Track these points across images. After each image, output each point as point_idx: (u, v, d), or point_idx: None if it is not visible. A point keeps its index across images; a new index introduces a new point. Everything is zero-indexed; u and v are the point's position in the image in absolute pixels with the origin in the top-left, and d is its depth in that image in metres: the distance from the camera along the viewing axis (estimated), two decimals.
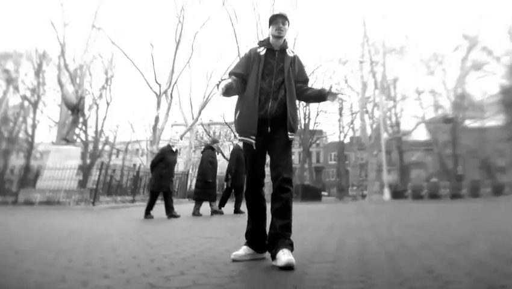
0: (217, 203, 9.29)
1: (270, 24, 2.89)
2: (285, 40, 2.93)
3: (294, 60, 2.93)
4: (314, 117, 40.31)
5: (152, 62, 29.18)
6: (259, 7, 31.51)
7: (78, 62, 26.71)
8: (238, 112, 2.79)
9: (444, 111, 35.91)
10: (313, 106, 37.51)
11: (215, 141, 10.08)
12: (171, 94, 29.04)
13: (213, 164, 9.18)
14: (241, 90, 2.79)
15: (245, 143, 2.74)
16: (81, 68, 25.72)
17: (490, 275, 2.08)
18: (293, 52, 2.96)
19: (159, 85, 28.61)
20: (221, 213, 8.88)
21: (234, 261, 2.62)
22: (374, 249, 3.17)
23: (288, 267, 2.27)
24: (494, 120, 34.00)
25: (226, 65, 34.08)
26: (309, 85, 2.98)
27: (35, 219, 7.74)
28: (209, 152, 9.31)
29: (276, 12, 2.88)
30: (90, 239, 4.12)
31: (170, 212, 8.00)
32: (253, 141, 2.68)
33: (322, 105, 37.51)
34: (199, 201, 8.85)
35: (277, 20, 2.83)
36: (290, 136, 2.71)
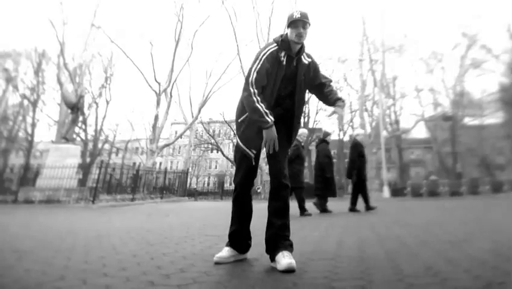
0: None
1: (288, 27, 2.58)
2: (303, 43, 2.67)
3: (309, 67, 2.73)
4: (314, 115, 40.33)
5: (151, 60, 29.15)
6: (259, 5, 31.47)
7: (77, 61, 26.75)
8: (247, 120, 2.61)
9: (444, 109, 36.00)
10: (312, 104, 37.49)
11: (327, 134, 9.33)
12: (170, 93, 29.01)
13: (330, 158, 8.83)
14: None
15: (243, 152, 2.63)
16: (81, 67, 25.76)
17: (489, 272, 2.08)
18: (308, 58, 2.74)
19: (159, 83, 28.58)
20: (330, 212, 8.24)
21: (217, 263, 2.51)
22: (373, 247, 3.17)
23: (289, 271, 2.20)
24: (493, 118, 34.19)
25: (225, 64, 34.00)
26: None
27: (35, 218, 7.74)
28: (324, 145, 8.90)
29: (297, 15, 2.55)
30: (89, 238, 4.12)
31: (304, 209, 7.71)
32: (252, 156, 2.59)
33: (321, 103, 37.47)
34: (322, 198, 8.48)
35: (297, 24, 2.53)
36: (288, 150, 2.74)
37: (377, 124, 28.50)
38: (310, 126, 39.69)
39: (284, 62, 2.59)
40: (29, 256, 2.92)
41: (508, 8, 51.21)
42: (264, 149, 2.66)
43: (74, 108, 18.18)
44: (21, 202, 13.75)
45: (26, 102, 40.66)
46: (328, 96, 2.82)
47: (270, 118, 2.46)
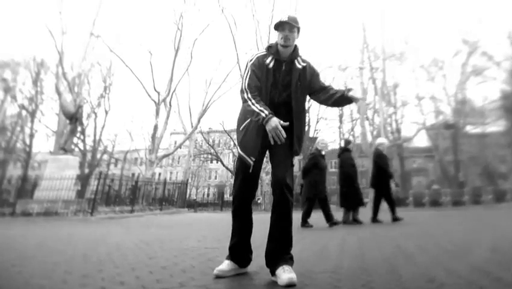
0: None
1: (276, 29, 2.61)
2: (296, 47, 2.66)
3: (305, 71, 2.66)
4: (314, 124, 40.38)
5: (150, 70, 29.30)
6: (259, 14, 31.68)
7: (76, 71, 26.77)
8: (245, 128, 2.60)
9: (445, 117, 36.04)
10: (313, 113, 37.57)
11: (349, 142, 9.37)
12: (170, 102, 29.12)
13: (355, 166, 8.68)
14: None
15: (243, 160, 2.58)
16: (79, 77, 25.81)
17: (493, 284, 2.06)
18: (303, 62, 2.68)
19: (158, 93, 28.69)
20: (361, 222, 8.12)
21: (218, 277, 2.46)
22: (374, 258, 3.14)
23: (290, 285, 2.16)
24: (495, 126, 34.15)
25: (225, 73, 34.10)
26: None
27: (33, 230, 7.68)
28: (347, 154, 8.80)
29: (283, 18, 2.56)
30: (87, 251, 4.07)
31: (331, 220, 7.56)
32: (251, 163, 2.52)
33: (322, 112, 37.61)
34: (349, 209, 8.37)
35: (284, 27, 2.55)
36: (293, 160, 2.60)
37: (379, 132, 28.51)
38: (311, 135, 39.75)
39: (270, 66, 2.59)
40: (27, 270, 2.87)
41: (509, 15, 51.63)
42: (268, 157, 2.63)
43: (73, 118, 18.15)
44: (19, 215, 13.64)
45: (24, 112, 40.73)
46: (335, 95, 2.67)
47: (267, 111, 2.40)
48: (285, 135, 2.38)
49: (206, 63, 60.68)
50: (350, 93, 2.57)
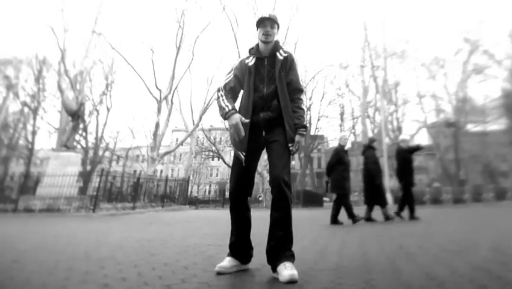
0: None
1: (257, 27, 2.70)
2: (276, 42, 2.77)
3: (286, 60, 2.71)
4: (315, 122, 40.37)
5: (152, 67, 29.26)
6: (260, 11, 31.61)
7: (78, 68, 26.77)
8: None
9: (446, 115, 36.00)
10: (314, 111, 37.57)
11: (373, 140, 9.22)
12: (171, 100, 29.10)
13: (378, 164, 8.64)
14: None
15: (236, 156, 2.66)
16: (81, 74, 25.77)
17: (494, 282, 2.07)
18: (285, 53, 2.74)
19: (160, 90, 28.66)
20: (393, 219, 8.11)
21: (219, 273, 2.48)
22: (376, 256, 3.15)
23: (291, 282, 2.19)
24: (496, 124, 34.10)
25: (226, 71, 34.12)
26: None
27: (35, 227, 7.71)
28: (371, 151, 8.74)
29: (264, 14, 2.67)
30: (89, 247, 4.09)
31: (354, 217, 7.60)
32: (243, 157, 2.58)
33: (323, 110, 37.62)
34: (370, 206, 8.30)
35: (265, 24, 2.66)
36: (291, 148, 2.57)
37: (380, 131, 28.48)
38: (312, 133, 39.74)
39: (251, 64, 2.71)
40: (29, 266, 2.88)
41: (510, 14, 51.40)
42: (266, 156, 2.67)
43: (75, 115, 18.18)
44: (21, 211, 13.68)
45: (26, 110, 40.75)
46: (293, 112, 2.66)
47: (230, 107, 2.55)
48: (243, 134, 2.48)
49: (208, 61, 60.61)
50: (299, 135, 2.60)
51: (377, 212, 8.46)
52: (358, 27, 58.99)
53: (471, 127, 36.02)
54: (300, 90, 2.72)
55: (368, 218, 8.09)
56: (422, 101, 36.83)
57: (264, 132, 2.64)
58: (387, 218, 8.06)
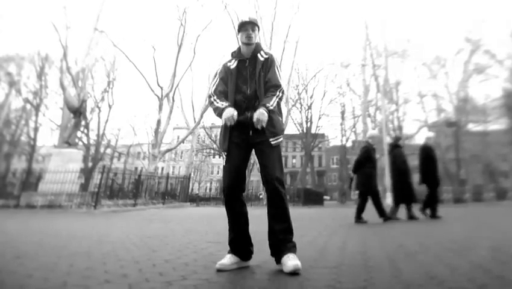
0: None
1: (239, 31, 2.81)
2: (257, 44, 2.85)
3: (267, 61, 2.78)
4: (316, 120, 40.37)
5: (154, 65, 29.27)
6: (261, 10, 31.62)
7: (80, 65, 26.73)
8: (221, 129, 2.83)
9: (447, 114, 35.93)
10: (315, 109, 37.60)
11: (399, 138, 9.30)
12: (173, 97, 29.12)
13: (406, 162, 8.55)
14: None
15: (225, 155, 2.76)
16: (83, 71, 25.76)
17: (494, 282, 2.07)
18: (266, 55, 2.81)
19: (161, 88, 28.69)
20: (417, 219, 7.92)
21: (219, 270, 2.50)
22: (376, 254, 3.16)
23: (295, 273, 2.28)
24: (497, 124, 33.99)
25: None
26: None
27: (37, 223, 7.73)
28: (399, 150, 8.72)
29: (245, 18, 2.76)
30: (91, 244, 4.11)
31: (384, 215, 7.56)
32: (225, 156, 2.72)
33: (324, 108, 37.60)
34: (397, 204, 8.28)
35: (247, 27, 2.75)
36: (272, 142, 2.62)
37: (380, 130, 28.45)
38: (313, 131, 39.76)
39: (233, 67, 2.81)
40: (31, 262, 2.90)
41: None
42: (257, 160, 2.76)
43: (77, 112, 18.21)
44: (23, 207, 13.73)
45: (28, 106, 40.83)
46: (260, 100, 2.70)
47: (226, 103, 2.66)
48: (236, 119, 2.58)
49: (209, 59, 60.60)
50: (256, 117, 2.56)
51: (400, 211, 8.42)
52: (359, 26, 58.93)
53: (472, 127, 35.95)
54: (276, 86, 2.73)
55: (411, 216, 8.00)
56: (423, 100, 36.71)
57: (251, 132, 2.68)
58: (411, 217, 7.99)
